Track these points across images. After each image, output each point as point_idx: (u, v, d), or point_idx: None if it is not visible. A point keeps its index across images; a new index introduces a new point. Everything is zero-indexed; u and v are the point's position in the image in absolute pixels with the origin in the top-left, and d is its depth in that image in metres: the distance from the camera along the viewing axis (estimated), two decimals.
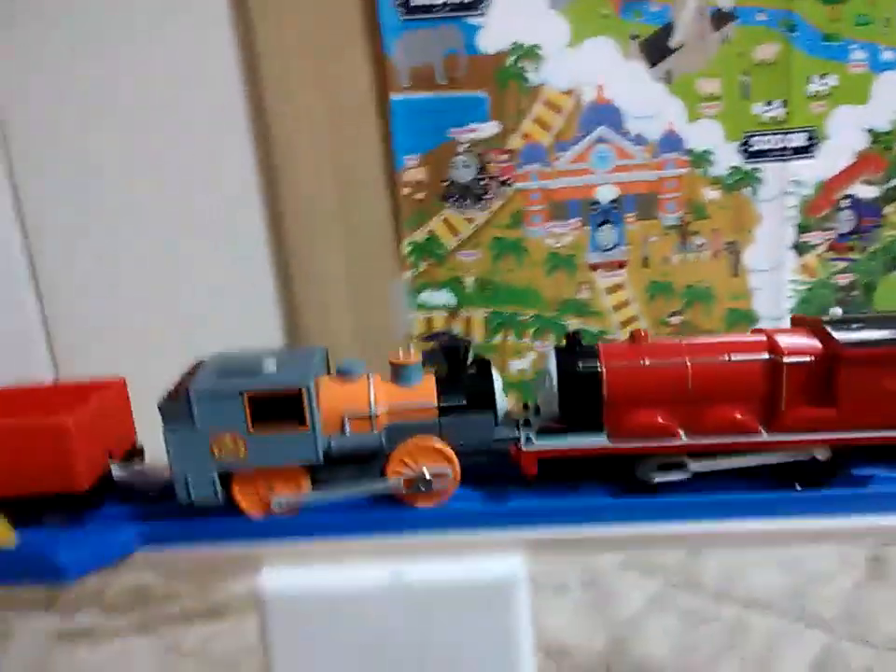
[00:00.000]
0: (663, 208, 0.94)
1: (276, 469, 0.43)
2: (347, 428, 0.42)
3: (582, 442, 0.43)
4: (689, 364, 0.43)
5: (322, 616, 0.37)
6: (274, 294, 0.91)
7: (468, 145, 0.91)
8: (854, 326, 0.43)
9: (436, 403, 0.43)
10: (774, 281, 0.95)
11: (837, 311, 0.46)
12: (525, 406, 0.48)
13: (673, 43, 0.89)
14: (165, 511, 0.43)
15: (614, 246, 0.95)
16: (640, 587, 0.77)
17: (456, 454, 0.43)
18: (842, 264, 0.95)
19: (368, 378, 0.44)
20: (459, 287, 0.95)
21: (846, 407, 0.42)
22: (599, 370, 0.43)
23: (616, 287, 0.96)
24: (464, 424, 0.43)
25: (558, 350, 0.45)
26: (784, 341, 0.43)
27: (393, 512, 0.43)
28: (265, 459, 0.42)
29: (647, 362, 0.43)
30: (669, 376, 0.43)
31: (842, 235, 0.95)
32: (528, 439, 0.44)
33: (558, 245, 0.94)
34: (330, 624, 0.37)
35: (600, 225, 0.94)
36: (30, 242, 0.87)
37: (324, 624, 0.36)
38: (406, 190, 0.91)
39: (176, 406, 0.42)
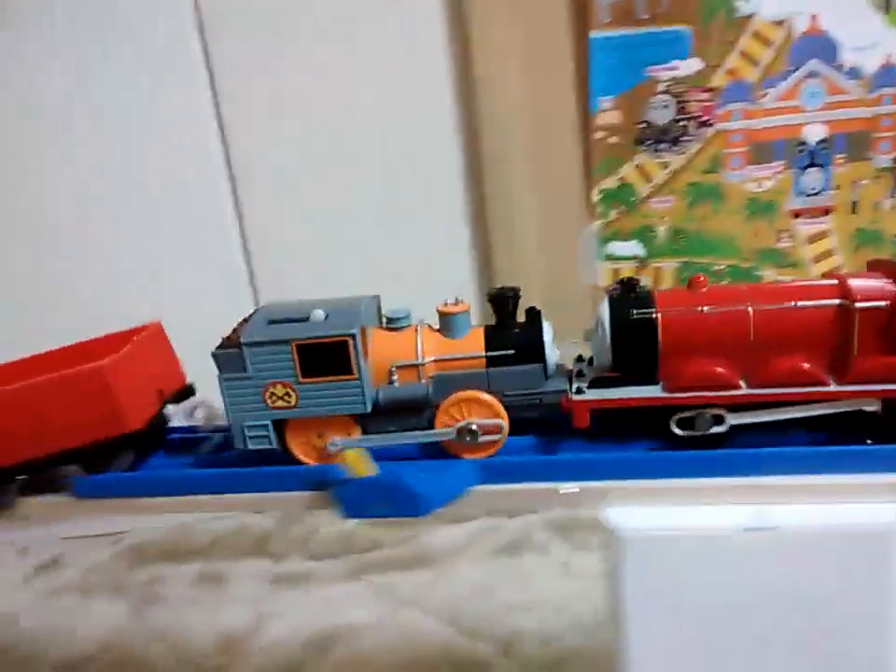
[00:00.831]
0: (876, 148, 0.86)
1: (326, 419, 0.42)
2: (395, 379, 0.42)
3: (636, 393, 0.41)
4: (751, 311, 0.40)
5: (681, 557, 0.35)
6: (469, 235, 0.89)
7: (667, 84, 0.85)
8: None
9: (483, 354, 0.42)
10: None
11: None
12: (580, 358, 0.46)
13: None
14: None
15: (820, 191, 0.88)
16: None
17: (505, 406, 0.42)
18: None
19: (416, 328, 0.43)
20: (650, 237, 0.91)
21: None
22: (654, 317, 0.41)
23: (819, 236, 0.90)
24: (512, 375, 0.42)
25: (611, 297, 0.43)
26: (857, 285, 0.39)
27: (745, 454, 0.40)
28: (316, 409, 0.42)
29: (705, 309, 0.40)
30: (729, 324, 0.40)
31: None
32: (579, 390, 0.41)
33: (759, 189, 0.88)
34: (689, 566, 0.35)
35: (806, 168, 0.87)
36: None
37: (682, 566, 0.35)
38: (599, 135, 0.87)
39: (230, 355, 0.42)
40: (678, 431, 0.41)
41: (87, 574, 0.78)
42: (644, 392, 0.41)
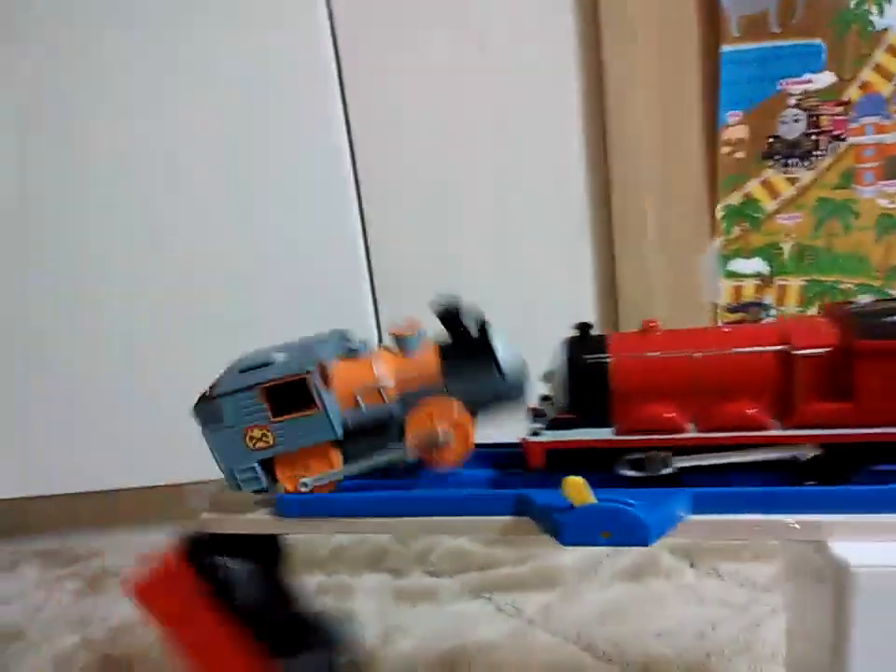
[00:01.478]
0: None
1: (306, 451, 0.45)
2: (361, 404, 0.44)
3: (589, 435, 0.42)
4: (697, 356, 0.41)
5: None
6: (593, 250, 0.89)
7: (798, 97, 0.84)
8: (883, 314, 0.39)
9: (437, 368, 0.44)
10: None
11: (866, 299, 0.41)
12: (545, 397, 0.47)
13: None
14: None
15: None
16: None
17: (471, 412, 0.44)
18: None
19: (374, 354, 0.46)
20: (774, 254, 0.88)
21: (863, 402, 0.38)
22: (606, 361, 0.42)
23: None
24: (469, 383, 0.44)
25: (567, 340, 0.44)
26: (798, 331, 0.40)
27: None
28: (293, 443, 0.45)
29: (655, 354, 0.42)
30: (678, 369, 0.41)
31: None
32: (535, 432, 0.43)
33: (891, 205, 0.85)
34: None
35: None
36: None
37: None
38: (725, 149, 0.86)
39: (207, 408, 0.45)
40: (628, 473, 0.42)
41: None
42: (597, 434, 0.43)
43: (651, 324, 0.43)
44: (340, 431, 0.45)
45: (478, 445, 0.47)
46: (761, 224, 0.88)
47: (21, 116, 0.88)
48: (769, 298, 0.90)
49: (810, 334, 0.40)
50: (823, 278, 0.89)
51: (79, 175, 0.89)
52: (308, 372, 0.43)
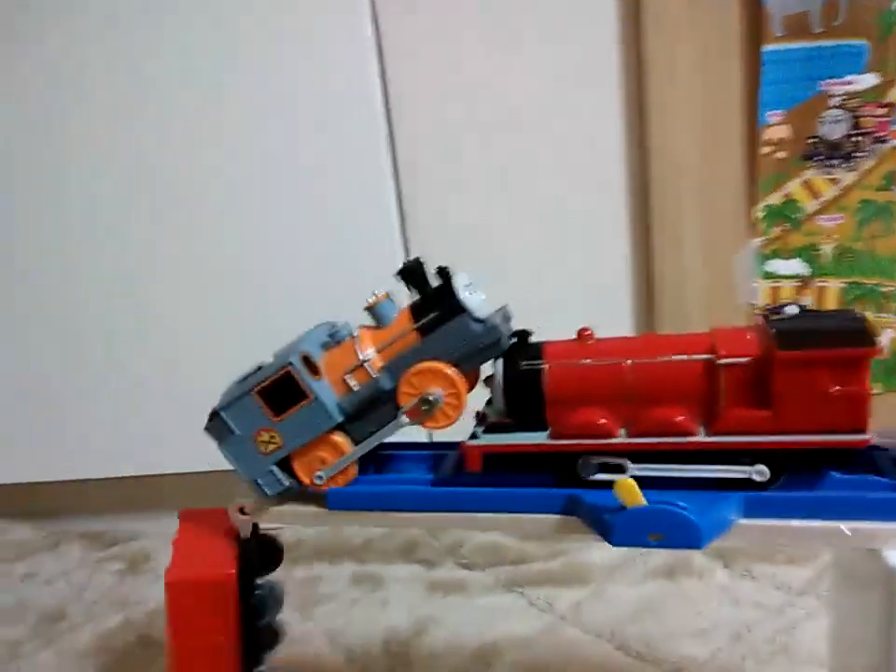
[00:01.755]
0: None
1: (315, 442, 0.46)
2: (353, 385, 0.45)
3: (525, 439, 0.44)
4: (628, 363, 0.42)
5: None
6: (631, 247, 0.89)
7: (841, 98, 0.83)
8: (805, 324, 0.40)
9: (413, 327, 0.45)
10: None
11: (794, 308, 0.42)
12: (489, 402, 0.47)
13: None
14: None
15: None
16: None
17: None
18: None
19: (353, 334, 0.46)
20: (814, 256, 0.88)
21: (783, 410, 0.40)
22: (541, 368, 0.44)
23: None
24: (444, 334, 0.44)
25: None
26: (723, 341, 0.41)
27: None
28: (300, 438, 0.46)
29: (588, 361, 0.43)
30: (608, 376, 0.43)
31: None
32: (474, 435, 0.45)
33: None
34: None
35: None
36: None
37: None
38: (765, 150, 0.85)
39: (216, 425, 0.47)
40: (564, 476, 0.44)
41: None
42: (531, 439, 0.44)
43: (585, 332, 0.45)
44: (338, 415, 0.45)
45: (418, 445, 0.49)
46: (801, 225, 0.87)
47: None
48: (808, 300, 0.89)
49: (735, 344, 0.41)
50: (864, 280, 0.88)
51: (135, 163, 0.91)
52: (290, 364, 0.44)
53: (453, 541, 0.86)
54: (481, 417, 0.47)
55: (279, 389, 0.45)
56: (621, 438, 0.42)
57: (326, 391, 0.45)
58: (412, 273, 0.45)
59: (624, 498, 0.38)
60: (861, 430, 0.39)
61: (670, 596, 0.75)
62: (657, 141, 0.84)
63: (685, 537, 0.37)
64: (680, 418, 0.41)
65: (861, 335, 0.38)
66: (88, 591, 0.87)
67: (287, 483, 0.47)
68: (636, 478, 0.40)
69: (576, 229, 0.88)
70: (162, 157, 0.91)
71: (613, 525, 0.39)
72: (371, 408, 0.46)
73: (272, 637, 0.51)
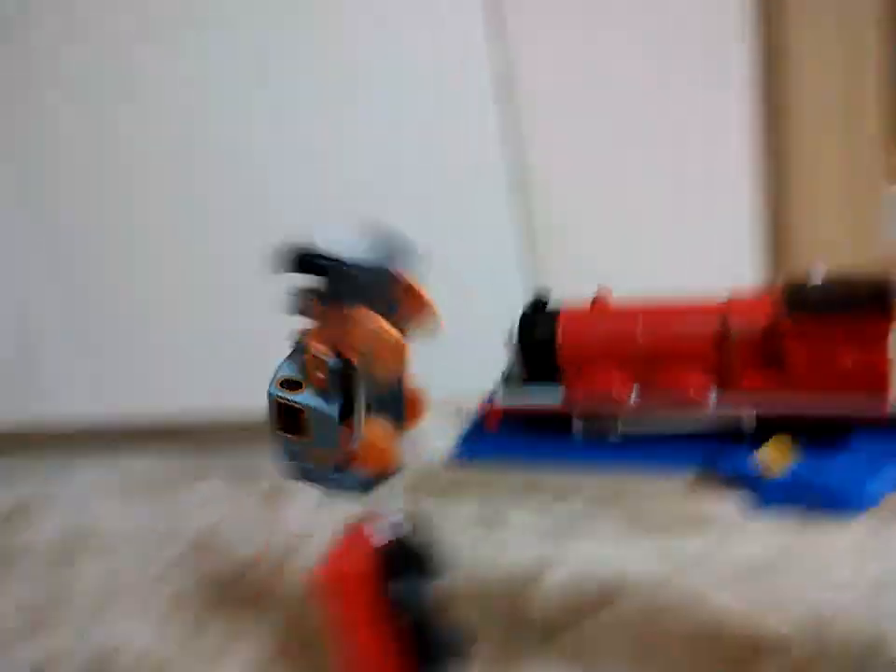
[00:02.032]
0: None
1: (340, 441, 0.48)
2: (322, 378, 0.47)
3: (541, 401, 0.47)
4: (641, 330, 0.43)
5: None
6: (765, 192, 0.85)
7: None
8: (821, 291, 0.39)
9: (321, 306, 0.45)
10: None
11: (817, 271, 0.40)
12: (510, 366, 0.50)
13: None
14: None
15: None
16: None
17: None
18: None
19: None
20: None
21: (794, 378, 0.40)
22: (556, 334, 0.46)
23: None
24: (337, 294, 0.45)
25: (522, 313, 0.48)
26: (736, 308, 0.42)
27: None
28: (329, 442, 0.48)
29: (602, 327, 0.45)
30: (622, 341, 0.44)
31: None
32: (491, 396, 0.49)
33: None
34: None
35: None
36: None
37: None
38: None
39: (281, 468, 0.50)
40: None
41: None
42: (547, 400, 0.47)
43: (601, 296, 0.47)
44: (331, 409, 0.48)
45: None
46: None
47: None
48: None
49: (749, 307, 0.42)
50: None
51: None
52: (270, 395, 0.48)
53: (577, 483, 0.87)
54: (504, 378, 0.50)
55: (286, 418, 0.48)
56: (632, 401, 0.44)
57: (311, 397, 0.48)
58: (301, 262, 0.46)
59: (776, 460, 0.38)
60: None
61: (805, 548, 0.73)
62: (792, 97, 0.78)
63: (837, 504, 0.37)
64: (694, 383, 0.41)
65: (881, 301, 0.37)
66: (227, 521, 0.92)
67: (354, 475, 0.50)
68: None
69: (706, 188, 0.85)
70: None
71: (765, 488, 0.39)
72: (350, 387, 0.48)
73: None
